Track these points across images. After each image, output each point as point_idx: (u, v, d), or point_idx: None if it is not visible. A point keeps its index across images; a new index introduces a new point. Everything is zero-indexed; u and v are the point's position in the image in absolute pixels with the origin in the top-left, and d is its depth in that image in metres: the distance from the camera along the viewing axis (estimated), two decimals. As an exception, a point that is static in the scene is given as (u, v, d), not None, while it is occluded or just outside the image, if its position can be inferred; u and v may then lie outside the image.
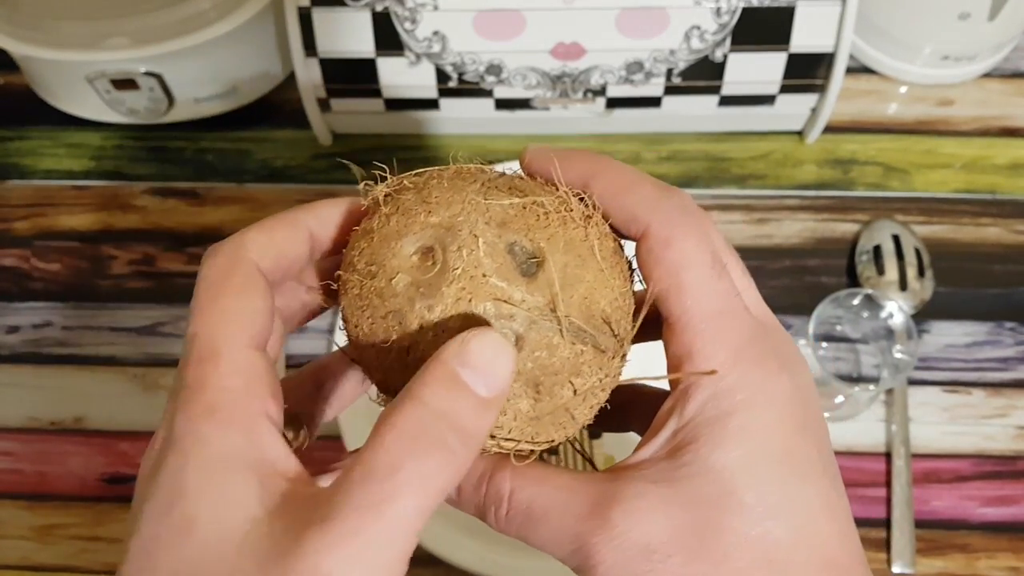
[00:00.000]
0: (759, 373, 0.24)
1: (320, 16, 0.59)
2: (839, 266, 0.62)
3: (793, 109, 0.64)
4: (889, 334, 0.56)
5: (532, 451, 0.25)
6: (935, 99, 0.68)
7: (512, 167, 0.28)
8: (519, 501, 0.24)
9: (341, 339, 0.27)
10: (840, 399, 0.57)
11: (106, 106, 0.66)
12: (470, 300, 0.23)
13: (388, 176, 0.26)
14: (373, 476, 0.20)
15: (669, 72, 0.61)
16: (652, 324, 0.26)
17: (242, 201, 0.66)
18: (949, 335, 0.60)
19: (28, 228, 0.66)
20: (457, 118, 0.65)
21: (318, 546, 0.20)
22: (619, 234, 0.26)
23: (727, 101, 0.63)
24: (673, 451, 0.24)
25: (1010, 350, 0.59)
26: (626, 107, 0.64)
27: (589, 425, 0.26)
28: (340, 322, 0.26)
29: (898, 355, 0.56)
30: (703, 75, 0.61)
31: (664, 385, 0.26)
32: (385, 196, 0.26)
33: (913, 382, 0.59)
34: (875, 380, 0.59)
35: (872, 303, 0.57)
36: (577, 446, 0.30)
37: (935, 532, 0.55)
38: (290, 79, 0.68)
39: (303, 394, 0.30)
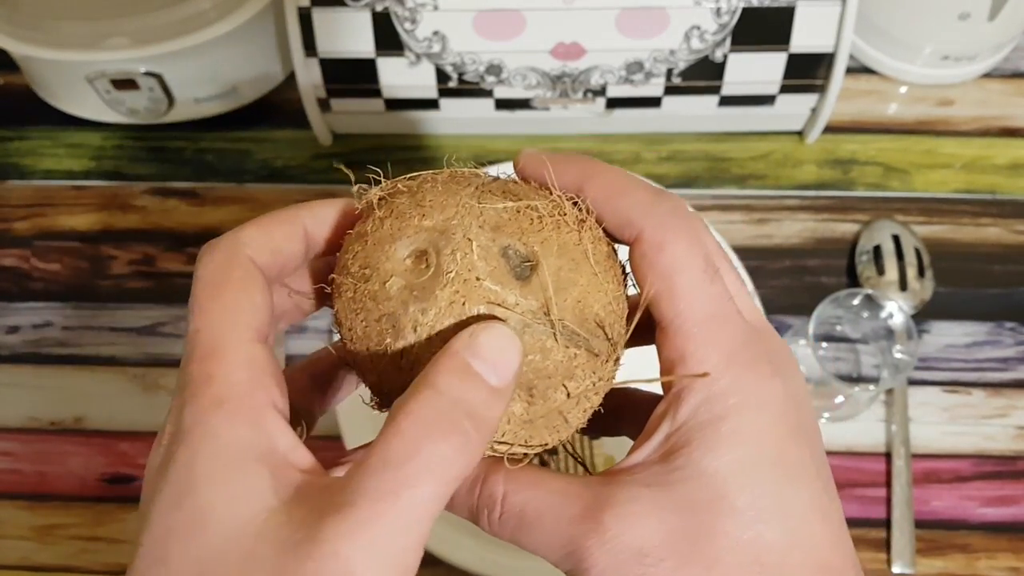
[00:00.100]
0: (752, 377, 0.24)
1: (320, 16, 0.59)
2: (839, 266, 0.62)
3: (793, 109, 0.64)
4: (889, 334, 0.56)
5: (525, 454, 0.25)
6: (935, 99, 0.68)
7: (507, 169, 0.28)
8: (512, 504, 0.24)
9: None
10: (840, 399, 0.57)
11: (106, 106, 0.66)
12: (464, 303, 0.23)
13: (382, 179, 0.26)
14: (389, 463, 0.21)
15: (669, 72, 0.61)
16: (645, 328, 0.26)
17: (242, 201, 0.66)
18: (949, 335, 0.60)
19: (28, 228, 0.66)
20: (457, 118, 0.65)
21: (337, 533, 0.20)
22: (613, 238, 0.27)
23: (727, 101, 0.63)
24: (666, 455, 0.24)
25: (1010, 350, 0.59)
26: (626, 107, 0.64)
27: (583, 428, 0.26)
28: (334, 325, 0.26)
29: (898, 355, 0.56)
30: (703, 75, 0.61)
31: (657, 388, 0.26)
32: (379, 199, 0.26)
33: (913, 382, 0.59)
34: (875, 380, 0.59)
35: (872, 303, 0.56)
36: (571, 449, 0.30)
37: (935, 532, 0.55)
38: (290, 79, 0.68)
39: (297, 388, 0.30)
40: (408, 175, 0.27)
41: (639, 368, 0.27)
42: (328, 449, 0.24)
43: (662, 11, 0.58)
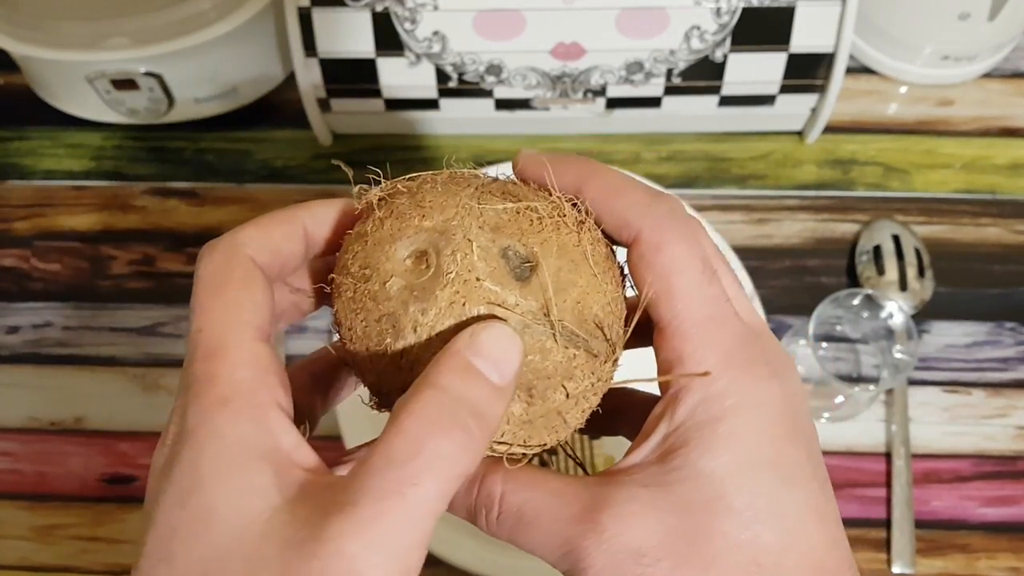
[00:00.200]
0: (748, 379, 0.24)
1: (320, 16, 0.59)
2: (839, 266, 0.62)
3: (793, 109, 0.64)
4: (889, 334, 0.56)
5: (524, 455, 0.25)
6: (935, 99, 0.68)
7: (507, 170, 0.28)
8: (510, 504, 0.24)
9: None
10: (840, 399, 0.57)
11: (106, 106, 0.66)
12: (464, 304, 0.23)
13: (382, 180, 0.26)
14: (393, 461, 0.21)
15: (669, 72, 0.61)
16: (643, 329, 0.26)
17: (242, 201, 0.66)
18: (949, 335, 0.60)
19: (28, 228, 0.66)
20: (457, 118, 0.65)
21: (341, 532, 0.20)
22: (611, 239, 0.27)
23: (727, 101, 0.63)
24: (663, 455, 0.24)
25: (1010, 350, 0.59)
26: (626, 107, 0.64)
27: (581, 428, 0.26)
28: (333, 325, 0.26)
29: (898, 355, 0.56)
30: (703, 75, 0.61)
31: (655, 389, 0.26)
32: (379, 200, 0.26)
33: (913, 382, 0.59)
34: (875, 380, 0.59)
35: (872, 303, 0.56)
36: (569, 450, 0.30)
37: (935, 532, 0.55)
38: (290, 79, 0.68)
39: (298, 387, 0.30)
40: (408, 176, 0.27)
41: (637, 369, 0.27)
42: (328, 449, 0.24)
43: (662, 11, 0.58)
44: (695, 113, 0.64)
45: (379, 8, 0.58)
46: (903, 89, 0.69)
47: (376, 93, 0.63)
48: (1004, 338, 0.60)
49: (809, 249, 0.63)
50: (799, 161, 0.66)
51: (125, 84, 0.63)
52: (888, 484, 0.56)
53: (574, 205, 0.26)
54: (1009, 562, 0.54)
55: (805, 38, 0.59)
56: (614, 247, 0.27)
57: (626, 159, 0.67)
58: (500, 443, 0.25)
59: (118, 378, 0.61)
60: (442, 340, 0.23)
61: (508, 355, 0.23)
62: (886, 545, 0.54)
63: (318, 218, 0.27)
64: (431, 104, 0.64)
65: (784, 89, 0.62)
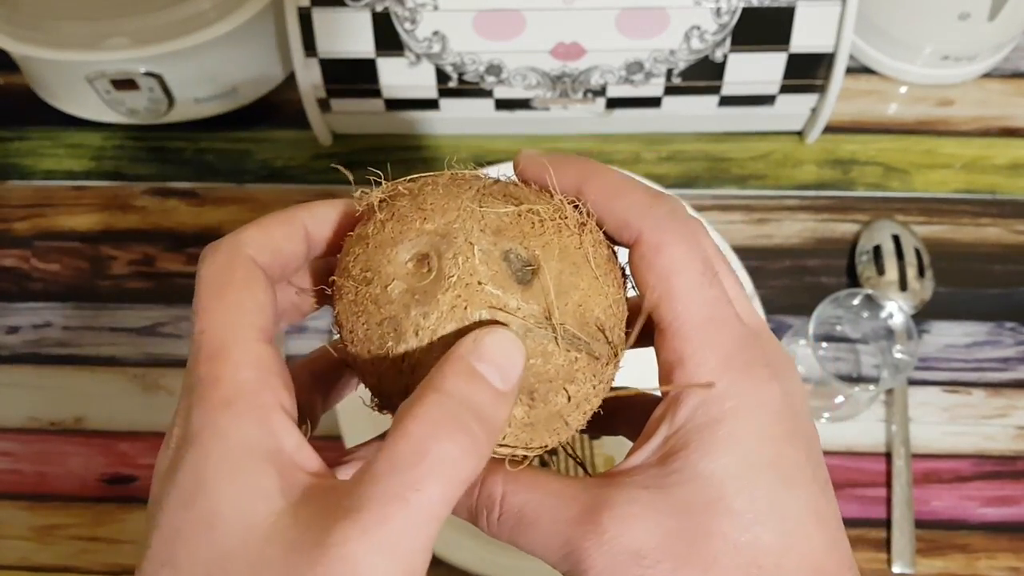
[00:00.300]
0: (749, 381, 0.24)
1: (320, 16, 0.59)
2: (839, 266, 0.62)
3: (793, 109, 0.64)
4: (889, 334, 0.56)
5: (525, 456, 0.25)
6: (935, 99, 0.68)
7: (507, 170, 0.28)
8: (511, 505, 0.24)
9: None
10: (840, 399, 0.57)
11: (106, 106, 0.66)
12: (465, 308, 0.23)
13: (383, 181, 0.26)
14: (397, 466, 0.21)
15: (669, 72, 0.61)
16: (644, 330, 0.26)
17: (242, 201, 0.66)
18: (949, 335, 0.60)
19: (28, 228, 0.66)
20: (457, 118, 0.65)
21: (345, 537, 0.20)
22: (612, 241, 0.27)
23: (727, 101, 0.63)
24: (664, 457, 0.24)
25: (1010, 350, 0.59)
26: (626, 107, 0.64)
27: (582, 429, 0.26)
28: (334, 327, 0.26)
29: (898, 355, 0.56)
30: (703, 75, 0.61)
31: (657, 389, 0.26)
32: (380, 202, 0.26)
33: (913, 382, 0.59)
34: (875, 380, 0.59)
35: (872, 303, 0.56)
36: (570, 451, 0.30)
37: (935, 532, 0.55)
38: (290, 79, 0.68)
39: (299, 386, 0.30)
40: (409, 177, 0.27)
41: (637, 370, 0.27)
42: (328, 449, 0.24)
43: (662, 11, 0.58)
44: (695, 113, 0.64)
45: (379, 8, 0.58)
46: (903, 89, 0.69)
47: (376, 93, 0.63)
48: (1004, 338, 0.60)
49: (809, 249, 0.63)
50: (799, 161, 0.66)
51: (125, 84, 0.63)
52: (888, 484, 0.56)
53: (575, 207, 0.26)
54: (1009, 562, 0.54)
55: (805, 38, 0.59)
56: (615, 248, 0.27)
57: (626, 159, 0.67)
58: (502, 445, 0.25)
59: (118, 378, 0.61)
60: (444, 344, 0.23)
61: (511, 360, 0.23)
62: (886, 545, 0.54)
63: (319, 219, 0.27)
64: (431, 104, 0.64)
65: (784, 89, 0.62)
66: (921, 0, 0.64)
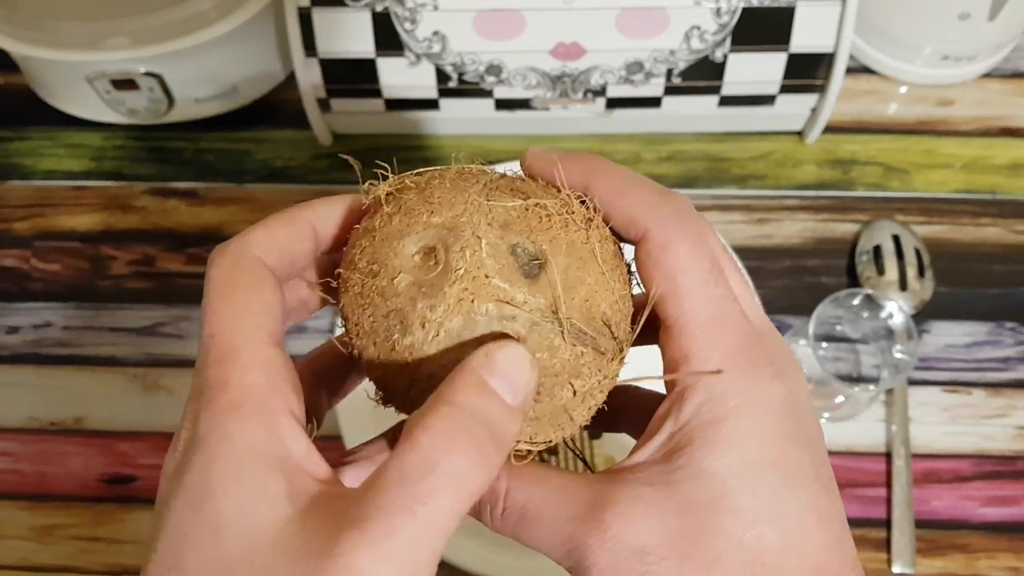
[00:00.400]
0: (753, 379, 0.24)
1: (320, 16, 0.59)
2: (839, 266, 0.62)
3: (793, 109, 0.64)
4: (889, 334, 0.56)
5: (529, 451, 0.25)
6: (935, 99, 0.68)
7: (512, 167, 0.28)
8: (515, 501, 0.24)
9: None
10: (840, 399, 0.57)
11: (106, 106, 0.66)
12: (472, 301, 0.23)
13: (390, 175, 0.26)
14: (407, 477, 0.21)
15: (669, 72, 0.61)
16: (649, 327, 0.26)
17: (242, 201, 0.66)
18: (949, 335, 0.60)
19: (28, 228, 0.66)
20: (457, 118, 0.65)
21: (351, 547, 0.20)
22: (618, 237, 0.27)
23: (727, 101, 0.63)
24: (668, 454, 0.24)
25: (1010, 350, 0.59)
26: (626, 107, 0.64)
27: (586, 426, 0.26)
28: (339, 319, 0.26)
29: (898, 355, 0.56)
30: (703, 75, 0.61)
31: (661, 387, 0.26)
32: (387, 195, 0.26)
33: (913, 382, 0.59)
34: (875, 380, 0.59)
35: (872, 303, 0.57)
36: (573, 448, 0.30)
37: (935, 532, 0.55)
38: (290, 79, 0.68)
39: (304, 385, 0.30)
40: (415, 171, 0.27)
41: (642, 367, 0.27)
42: (328, 449, 0.24)
43: (662, 11, 0.58)
44: (695, 113, 0.64)
45: (379, 8, 0.58)
46: (903, 89, 0.69)
47: (376, 93, 0.63)
48: (1004, 338, 0.60)
49: (809, 249, 0.63)
50: (799, 161, 0.66)
51: (125, 84, 0.63)
52: (888, 484, 0.56)
53: (582, 202, 0.26)
54: (1009, 562, 0.54)
55: (805, 38, 0.59)
56: (621, 245, 0.27)
57: (626, 159, 0.67)
58: None
59: (118, 378, 0.61)
60: (450, 336, 0.23)
61: (523, 375, 0.23)
62: (886, 545, 0.54)
63: (325, 216, 0.27)
64: (431, 104, 0.64)
65: (784, 89, 0.62)
66: (921, 0, 0.64)
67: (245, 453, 0.22)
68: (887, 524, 0.55)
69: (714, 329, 0.24)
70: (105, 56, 0.61)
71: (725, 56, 0.60)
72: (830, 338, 0.60)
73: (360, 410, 0.51)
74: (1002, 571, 0.54)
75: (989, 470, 0.56)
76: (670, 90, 0.62)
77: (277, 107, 0.69)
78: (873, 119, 0.68)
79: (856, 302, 0.57)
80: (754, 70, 0.61)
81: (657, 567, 0.22)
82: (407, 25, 0.59)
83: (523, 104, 0.64)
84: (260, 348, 0.23)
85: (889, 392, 0.58)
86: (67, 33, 0.62)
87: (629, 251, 0.27)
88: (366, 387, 0.27)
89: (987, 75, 0.69)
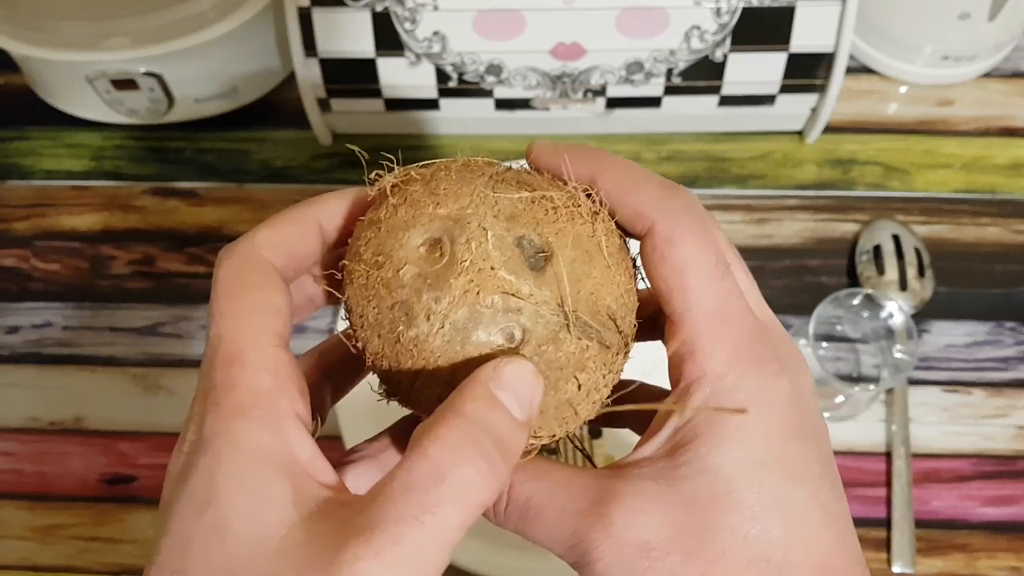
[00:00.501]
0: (759, 375, 0.24)
1: (320, 16, 0.59)
2: (839, 266, 0.62)
3: (793, 109, 0.64)
4: (889, 334, 0.56)
5: (533, 445, 0.25)
6: (935, 99, 0.68)
7: (517, 165, 0.28)
8: (518, 495, 0.24)
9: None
10: (840, 399, 0.57)
11: (106, 106, 0.66)
12: (478, 293, 0.23)
13: (395, 167, 0.26)
14: (415, 486, 0.21)
15: (669, 72, 0.61)
16: (653, 323, 0.26)
17: (242, 201, 0.66)
18: (949, 335, 0.60)
19: (28, 228, 0.66)
20: (457, 118, 0.65)
21: (356, 555, 0.20)
22: (624, 231, 0.26)
23: (727, 101, 0.63)
24: (672, 450, 0.24)
25: (1010, 350, 0.60)
26: (626, 107, 0.64)
27: (589, 422, 0.26)
28: (343, 311, 0.26)
29: (898, 355, 0.56)
30: (703, 75, 0.61)
31: (663, 383, 0.26)
32: (392, 187, 0.26)
33: (913, 382, 0.59)
34: (875, 380, 0.59)
35: (872, 303, 0.57)
36: (576, 443, 0.30)
37: (935, 532, 0.55)
38: (290, 79, 0.68)
39: (308, 381, 0.30)
40: (421, 163, 0.27)
41: (647, 362, 0.27)
42: (328, 449, 0.24)
43: (662, 11, 0.58)
44: (695, 113, 0.64)
45: (379, 8, 0.58)
46: (903, 89, 0.69)
47: (376, 93, 0.63)
48: (1004, 338, 0.60)
49: (809, 249, 0.63)
50: (799, 161, 0.66)
51: (125, 84, 0.63)
52: (888, 484, 0.56)
53: (588, 195, 0.26)
54: (1009, 562, 0.54)
55: (805, 38, 0.59)
56: (626, 239, 0.27)
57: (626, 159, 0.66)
58: None
59: (118, 378, 0.61)
60: (455, 329, 0.23)
61: (531, 390, 0.23)
62: (886, 545, 0.54)
63: (331, 211, 0.27)
64: (431, 104, 0.64)
65: (784, 89, 0.62)
66: (921, 0, 0.64)
67: (251, 457, 0.22)
68: (887, 524, 0.55)
69: (720, 324, 0.24)
70: (105, 56, 0.61)
71: (725, 56, 0.60)
72: (830, 338, 0.60)
73: (360, 410, 0.51)
74: (1002, 571, 0.54)
75: (989, 470, 0.56)
76: (670, 90, 0.62)
77: (277, 107, 0.69)
78: (873, 119, 0.68)
79: (856, 302, 0.57)
80: (754, 70, 0.61)
81: (661, 562, 0.22)
82: (407, 25, 0.59)
83: (523, 104, 0.64)
84: (267, 350, 0.23)
85: (889, 392, 0.58)
86: (67, 33, 0.62)
87: (634, 246, 0.27)
88: (369, 381, 0.27)
89: (987, 75, 0.69)
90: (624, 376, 0.26)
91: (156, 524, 0.23)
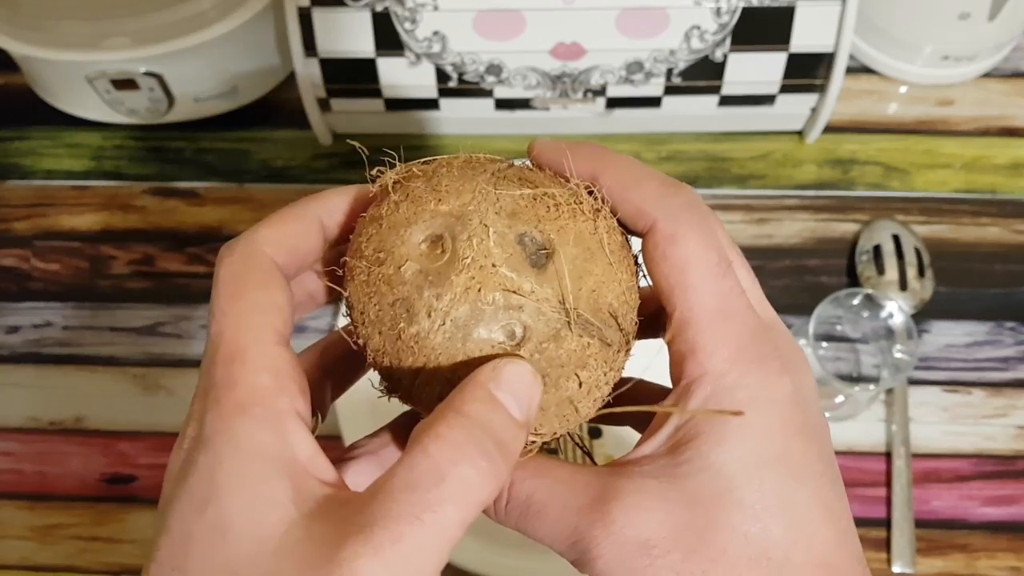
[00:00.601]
0: (760, 373, 0.24)
1: (320, 16, 0.59)
2: (839, 266, 0.62)
3: (793, 109, 0.64)
4: (889, 334, 0.56)
5: (534, 443, 0.25)
6: (935, 99, 0.68)
7: (519, 162, 0.28)
8: (519, 492, 0.24)
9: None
10: (840, 399, 0.57)
11: (106, 106, 0.66)
12: (479, 290, 0.23)
13: (397, 163, 0.26)
14: (415, 485, 0.21)
15: (669, 72, 0.61)
16: (654, 321, 0.26)
17: (242, 201, 0.66)
18: (949, 335, 0.60)
19: (28, 228, 0.66)
20: (457, 118, 0.65)
21: (356, 554, 0.20)
22: (626, 228, 0.26)
23: (727, 101, 0.63)
24: (674, 447, 0.24)
25: (1010, 350, 0.60)
26: (626, 107, 0.64)
27: (589, 420, 0.26)
28: (344, 308, 0.26)
29: (898, 355, 0.56)
30: (703, 75, 0.61)
31: (665, 381, 0.26)
32: (394, 183, 0.26)
33: (913, 382, 0.59)
34: (875, 380, 0.59)
35: (872, 303, 0.57)
36: (577, 440, 0.30)
37: (935, 532, 0.55)
38: (290, 79, 0.68)
39: (309, 378, 0.30)
40: (423, 159, 0.26)
41: (648, 360, 0.27)
42: (327, 449, 0.24)
43: (662, 11, 0.58)
44: (695, 113, 0.64)
45: (379, 8, 0.58)
46: (903, 89, 0.69)
47: (376, 93, 0.63)
48: (1004, 338, 0.60)
49: (809, 249, 0.63)
50: (799, 161, 0.66)
51: (125, 84, 0.63)
52: (888, 484, 0.56)
53: (590, 193, 0.26)
54: (1009, 562, 0.54)
55: (805, 38, 0.59)
56: (628, 236, 0.27)
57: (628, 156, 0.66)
58: None
59: (118, 378, 0.61)
60: (456, 325, 0.23)
61: (529, 391, 0.23)
62: (886, 545, 0.54)
63: (332, 208, 0.27)
64: (431, 104, 0.64)
65: (784, 89, 0.62)
66: (921, 0, 0.64)
67: (251, 455, 0.22)
68: (887, 524, 0.55)
69: (722, 322, 0.24)
70: (105, 56, 0.61)
71: (725, 56, 0.60)
72: (830, 338, 0.60)
73: (359, 409, 0.51)
74: (1002, 571, 0.54)
75: (989, 470, 0.56)
76: (670, 90, 0.62)
77: (277, 107, 0.69)
78: (873, 119, 0.68)
79: (856, 302, 0.57)
80: (754, 70, 0.61)
81: (662, 560, 0.22)
82: (407, 25, 0.59)
83: (523, 104, 0.64)
84: (268, 348, 0.23)
85: (889, 392, 0.58)
86: (67, 33, 0.62)
87: (636, 243, 0.27)
88: (370, 377, 0.27)
89: (987, 75, 0.69)
90: (624, 373, 0.26)
91: (156, 522, 0.23)
